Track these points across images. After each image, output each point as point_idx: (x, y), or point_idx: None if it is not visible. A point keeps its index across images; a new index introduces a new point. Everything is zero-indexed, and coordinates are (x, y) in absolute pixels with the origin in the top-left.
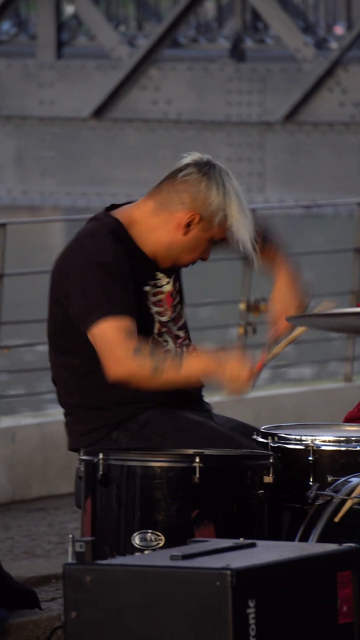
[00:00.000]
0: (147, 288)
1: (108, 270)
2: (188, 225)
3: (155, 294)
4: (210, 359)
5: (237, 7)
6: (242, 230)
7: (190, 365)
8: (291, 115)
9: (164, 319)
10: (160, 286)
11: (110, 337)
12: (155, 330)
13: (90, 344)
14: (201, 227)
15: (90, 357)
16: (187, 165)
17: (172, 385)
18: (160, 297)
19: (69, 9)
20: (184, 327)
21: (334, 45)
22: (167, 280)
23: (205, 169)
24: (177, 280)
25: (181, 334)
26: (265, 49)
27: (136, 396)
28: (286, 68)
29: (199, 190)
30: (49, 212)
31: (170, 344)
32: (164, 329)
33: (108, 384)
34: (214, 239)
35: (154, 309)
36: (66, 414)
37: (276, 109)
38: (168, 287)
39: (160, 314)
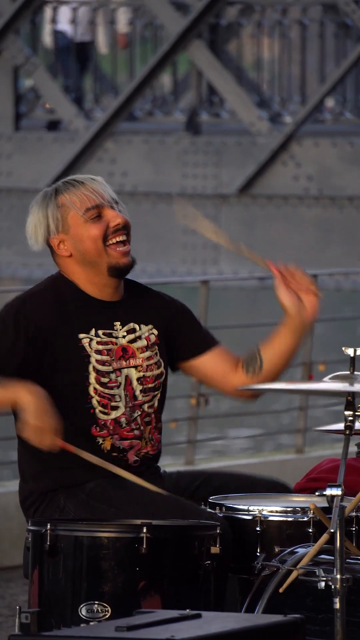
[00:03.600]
0: (81, 335)
1: (4, 312)
2: (59, 245)
3: (102, 343)
4: (15, 393)
5: (193, 81)
6: (73, 197)
7: (6, 393)
8: (246, 188)
9: (105, 368)
10: (114, 337)
11: None
12: (91, 379)
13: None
14: (63, 234)
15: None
16: None
17: None
18: (109, 346)
19: (27, 82)
20: (153, 390)
21: (288, 119)
22: (132, 332)
23: (31, 206)
24: (164, 341)
25: (143, 397)
26: (221, 123)
27: (80, 462)
28: (241, 141)
29: (35, 226)
30: (7, 282)
31: (122, 402)
32: (104, 379)
33: (65, 458)
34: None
35: (95, 356)
36: (21, 476)
37: (231, 181)
38: (126, 340)
39: (101, 362)
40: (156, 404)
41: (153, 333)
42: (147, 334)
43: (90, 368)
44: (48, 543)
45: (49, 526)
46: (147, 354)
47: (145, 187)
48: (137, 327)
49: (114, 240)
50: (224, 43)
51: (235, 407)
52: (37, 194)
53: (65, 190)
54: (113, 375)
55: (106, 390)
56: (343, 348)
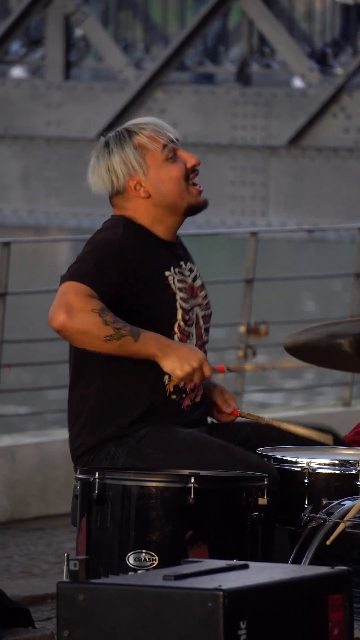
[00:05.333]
0: (167, 273)
1: (108, 247)
2: (135, 187)
3: (180, 280)
4: (166, 344)
5: (243, 32)
6: (149, 136)
7: (145, 345)
8: (295, 140)
9: (186, 306)
10: (185, 275)
11: (72, 291)
12: (179, 317)
13: (107, 367)
14: (142, 175)
15: (111, 374)
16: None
17: (120, 354)
18: (185, 284)
19: (77, 31)
20: (208, 331)
21: (339, 71)
22: (191, 271)
23: (99, 150)
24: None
25: (205, 337)
26: (271, 74)
27: (134, 411)
28: (291, 93)
29: (110, 168)
30: (55, 232)
31: (194, 340)
32: (187, 317)
33: (121, 402)
34: (159, 164)
35: (179, 294)
36: (72, 427)
37: (280, 133)
38: (191, 278)
39: (184, 300)
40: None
41: (200, 273)
42: (199, 274)
43: (177, 305)
44: (96, 491)
45: (97, 475)
46: (204, 292)
47: (194, 138)
48: (193, 267)
49: (193, 181)
50: None
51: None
52: (85, 143)
53: (138, 130)
54: (191, 313)
55: (187, 328)
56: None
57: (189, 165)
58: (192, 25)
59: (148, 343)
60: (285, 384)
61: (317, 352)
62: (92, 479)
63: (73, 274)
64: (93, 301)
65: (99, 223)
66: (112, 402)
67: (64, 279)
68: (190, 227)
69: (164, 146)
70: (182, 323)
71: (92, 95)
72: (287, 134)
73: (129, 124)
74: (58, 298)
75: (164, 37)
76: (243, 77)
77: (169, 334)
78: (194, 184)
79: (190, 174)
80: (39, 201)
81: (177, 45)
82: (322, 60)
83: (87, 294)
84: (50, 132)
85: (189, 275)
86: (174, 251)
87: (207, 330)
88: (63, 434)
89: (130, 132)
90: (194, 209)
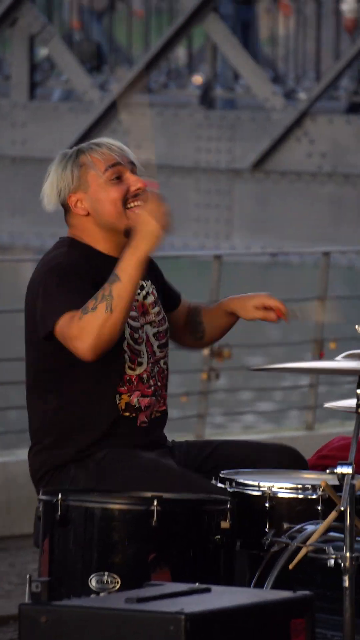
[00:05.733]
0: None
1: (64, 270)
2: (76, 204)
3: None
4: (132, 247)
5: (208, 55)
6: (95, 155)
7: (126, 269)
8: (259, 163)
9: (135, 324)
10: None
11: (68, 327)
12: (127, 334)
13: (67, 380)
14: (82, 192)
15: (65, 393)
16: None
17: (129, 296)
18: (134, 303)
19: (42, 51)
20: (165, 347)
21: (302, 96)
22: (142, 288)
23: (50, 166)
24: (160, 294)
25: (160, 353)
26: (235, 97)
27: (93, 432)
28: (255, 117)
29: (52, 183)
30: (19, 251)
31: (145, 359)
32: (135, 335)
33: (77, 422)
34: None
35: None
36: (31, 448)
37: (245, 156)
38: (142, 296)
39: (132, 318)
40: (168, 360)
41: (153, 288)
42: (151, 290)
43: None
44: (59, 513)
45: (60, 496)
46: (157, 309)
47: (158, 160)
48: (144, 283)
49: (133, 204)
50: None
51: (246, 383)
52: (50, 163)
53: (87, 149)
54: (141, 331)
55: (135, 346)
56: (356, 326)
57: (132, 188)
58: (157, 47)
59: (126, 267)
60: (249, 407)
61: None
62: (55, 500)
63: (54, 312)
64: (76, 313)
65: None
66: (69, 422)
67: (53, 324)
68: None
69: (107, 168)
70: (130, 341)
71: (57, 116)
72: (251, 157)
73: (86, 142)
74: (67, 343)
75: (128, 60)
76: (207, 100)
77: (119, 354)
78: (136, 207)
79: (130, 198)
80: (3, 220)
81: (141, 68)
82: (285, 85)
83: (73, 316)
84: (15, 152)
85: (139, 293)
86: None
87: (162, 346)
88: (25, 453)
89: (79, 151)
90: (133, 232)
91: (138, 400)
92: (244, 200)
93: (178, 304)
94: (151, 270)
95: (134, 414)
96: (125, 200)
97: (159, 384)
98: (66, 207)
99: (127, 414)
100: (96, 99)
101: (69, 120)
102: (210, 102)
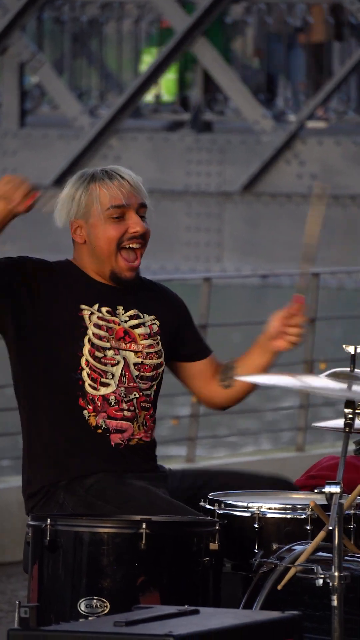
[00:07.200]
0: (83, 306)
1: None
2: (76, 230)
3: (101, 319)
4: None
5: (198, 79)
6: (103, 189)
7: None
8: (249, 186)
9: (101, 344)
10: (115, 315)
11: None
12: (85, 352)
13: (29, 415)
14: (83, 220)
15: (34, 413)
16: None
17: None
18: (110, 325)
19: (32, 79)
20: (151, 380)
21: (292, 118)
22: (132, 317)
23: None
24: (167, 335)
25: (140, 383)
26: (225, 121)
27: (81, 455)
28: (245, 140)
29: (62, 203)
30: None
31: (113, 381)
32: (100, 354)
33: (52, 442)
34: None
35: (93, 329)
36: (22, 474)
37: (235, 179)
38: (128, 324)
39: (98, 337)
40: (154, 393)
41: (155, 324)
42: (150, 323)
43: (86, 340)
44: (48, 538)
45: (49, 521)
46: (149, 342)
47: (149, 185)
48: (140, 314)
49: (127, 246)
50: (229, 41)
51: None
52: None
53: (99, 179)
54: (110, 352)
55: (99, 366)
56: (344, 346)
57: (130, 230)
58: (147, 73)
59: None
60: (238, 429)
61: None
62: (43, 526)
63: None
64: None
65: None
66: (50, 447)
67: None
68: (144, 273)
69: (110, 207)
70: (90, 358)
71: (47, 143)
72: (241, 180)
73: (108, 167)
74: None
75: (118, 85)
76: (197, 123)
77: (75, 369)
78: (128, 252)
79: (126, 240)
80: None
81: (131, 93)
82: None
83: None
84: None
85: (125, 321)
86: (113, 294)
87: (146, 378)
88: (18, 481)
89: (93, 177)
90: (116, 278)
91: (105, 421)
92: (234, 223)
93: (199, 359)
94: (167, 311)
95: (107, 434)
96: (120, 242)
97: (136, 411)
98: (70, 230)
99: (100, 431)
100: (86, 125)
101: (60, 147)
102: (200, 126)
